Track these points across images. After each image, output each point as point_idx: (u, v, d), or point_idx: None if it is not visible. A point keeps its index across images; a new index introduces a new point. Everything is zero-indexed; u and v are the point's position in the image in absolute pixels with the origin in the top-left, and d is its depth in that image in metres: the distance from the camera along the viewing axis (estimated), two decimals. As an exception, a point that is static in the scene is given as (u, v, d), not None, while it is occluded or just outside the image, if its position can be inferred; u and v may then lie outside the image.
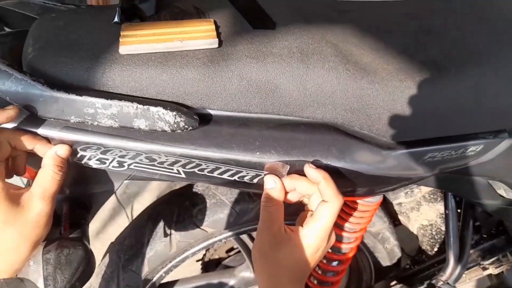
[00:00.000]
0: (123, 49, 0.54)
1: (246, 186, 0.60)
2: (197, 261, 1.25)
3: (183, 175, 0.58)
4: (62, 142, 0.54)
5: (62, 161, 0.53)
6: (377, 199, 0.74)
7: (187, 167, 0.57)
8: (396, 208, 1.15)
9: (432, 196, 1.09)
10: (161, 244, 0.84)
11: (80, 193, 0.63)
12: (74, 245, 0.54)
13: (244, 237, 0.94)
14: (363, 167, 0.61)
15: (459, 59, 0.66)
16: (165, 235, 0.83)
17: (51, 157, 0.53)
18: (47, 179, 0.52)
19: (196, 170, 0.57)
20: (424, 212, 1.10)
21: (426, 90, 0.61)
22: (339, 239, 0.80)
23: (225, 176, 0.58)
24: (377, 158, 0.63)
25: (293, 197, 0.60)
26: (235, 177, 0.58)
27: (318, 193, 0.57)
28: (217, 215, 0.83)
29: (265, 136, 0.58)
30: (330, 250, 0.82)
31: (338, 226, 0.78)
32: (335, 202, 0.55)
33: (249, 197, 0.84)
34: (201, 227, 0.83)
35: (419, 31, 0.71)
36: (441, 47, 0.68)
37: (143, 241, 0.85)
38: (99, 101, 0.51)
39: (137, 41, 0.56)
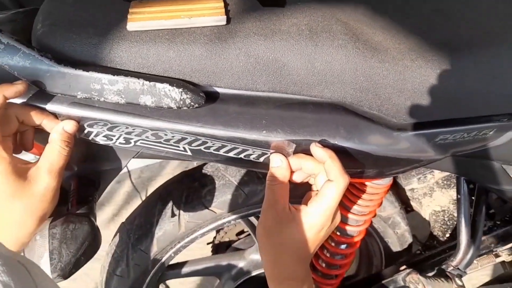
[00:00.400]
0: (131, 26, 0.54)
1: (252, 165, 0.60)
2: (208, 243, 1.26)
3: (189, 153, 0.58)
4: (69, 118, 0.54)
5: (69, 136, 0.53)
6: (386, 181, 0.73)
7: (193, 144, 0.57)
8: (409, 193, 1.13)
9: (445, 182, 1.07)
10: (170, 224, 0.84)
11: (88, 170, 0.63)
12: (80, 220, 0.54)
13: (253, 219, 0.94)
14: (372, 148, 0.60)
15: (472, 39, 0.64)
16: (173, 215, 0.84)
17: (59, 132, 0.53)
18: (54, 154, 0.52)
19: (202, 148, 0.57)
20: (436, 198, 1.08)
21: (438, 70, 0.59)
22: (347, 221, 0.79)
23: (231, 154, 0.58)
24: (387, 139, 0.62)
25: (299, 177, 0.60)
26: (241, 156, 0.58)
27: (324, 173, 0.56)
28: (225, 196, 0.83)
29: (272, 115, 0.57)
30: (338, 233, 0.82)
31: (346, 208, 0.78)
32: (340, 181, 0.54)
33: (258, 178, 0.84)
34: (210, 208, 0.83)
35: (432, 12, 0.69)
36: (454, 27, 0.66)
37: (153, 221, 0.86)
38: (105, 77, 0.51)
39: (145, 18, 0.55)
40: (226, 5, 0.59)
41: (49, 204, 0.51)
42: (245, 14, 0.58)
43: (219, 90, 0.57)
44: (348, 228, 0.79)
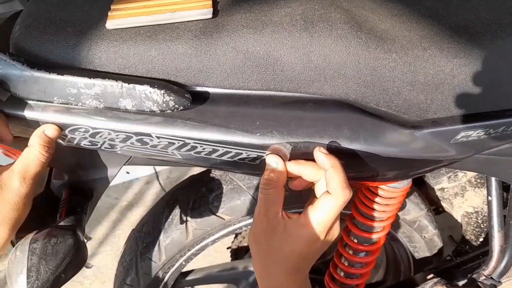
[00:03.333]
0: (110, 24, 0.50)
1: (249, 168, 0.55)
2: (227, 248, 1.22)
3: (180, 157, 0.54)
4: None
5: (49, 141, 0.50)
6: (404, 184, 0.66)
7: (182, 150, 0.52)
8: (438, 193, 1.05)
9: (478, 180, 0.99)
10: (177, 232, 0.81)
11: (79, 179, 0.60)
12: (63, 234, 0.51)
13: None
14: (381, 149, 0.54)
15: (497, 22, 0.57)
16: (181, 222, 0.80)
17: (38, 136, 0.49)
18: (31, 158, 0.48)
19: (192, 153, 0.53)
20: (469, 198, 1.00)
21: (455, 60, 0.53)
22: (364, 228, 0.73)
23: (224, 158, 0.53)
24: (399, 138, 0.55)
25: (298, 184, 0.54)
26: (236, 159, 0.53)
27: (324, 180, 0.51)
28: (233, 202, 0.78)
29: (267, 115, 0.52)
30: (355, 240, 0.75)
31: (362, 214, 0.71)
32: (339, 196, 0.49)
33: (267, 182, 0.79)
34: (217, 214, 0.78)
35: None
36: (474, 9, 0.58)
37: (160, 228, 0.82)
38: (81, 81, 0.48)
39: (125, 15, 0.51)
40: None
41: (21, 212, 0.48)
42: (234, 6, 0.53)
43: (208, 90, 0.53)
44: (365, 235, 0.73)
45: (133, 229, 0.90)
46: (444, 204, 1.06)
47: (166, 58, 0.49)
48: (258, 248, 0.53)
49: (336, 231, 0.53)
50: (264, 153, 0.52)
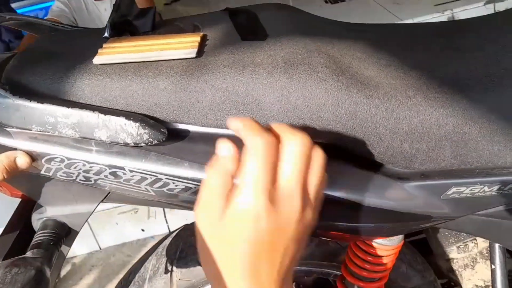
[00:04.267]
0: (97, 59, 0.52)
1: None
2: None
3: (153, 194, 0.53)
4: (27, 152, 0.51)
5: (13, 168, 0.49)
6: (394, 242, 0.62)
7: (155, 186, 0.51)
8: (448, 264, 0.99)
9: (490, 252, 0.93)
10: (161, 282, 0.77)
11: (57, 213, 0.59)
12: (26, 265, 0.50)
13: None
14: (360, 197, 0.52)
15: (489, 76, 0.55)
16: (166, 271, 0.77)
17: (7, 157, 0.49)
18: None
19: (165, 189, 0.52)
20: (479, 270, 0.93)
21: (441, 109, 0.51)
22: (354, 290, 0.68)
23: (198, 196, 0.51)
24: (382, 188, 0.53)
25: None
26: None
27: None
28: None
29: (243, 155, 0.51)
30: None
31: (352, 274, 0.67)
32: (257, 141, 0.38)
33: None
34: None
35: (445, 48, 0.62)
36: (468, 63, 0.58)
37: (145, 277, 0.79)
38: (60, 110, 0.48)
39: (114, 52, 0.53)
40: (204, 40, 0.56)
41: None
42: (220, 48, 0.54)
43: (187, 128, 0.52)
44: (356, 297, 0.68)
45: (120, 279, 0.87)
46: (453, 276, 0.99)
47: (146, 93, 0.50)
48: (202, 252, 0.41)
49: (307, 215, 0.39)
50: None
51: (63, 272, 2.06)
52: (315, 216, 0.41)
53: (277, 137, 0.39)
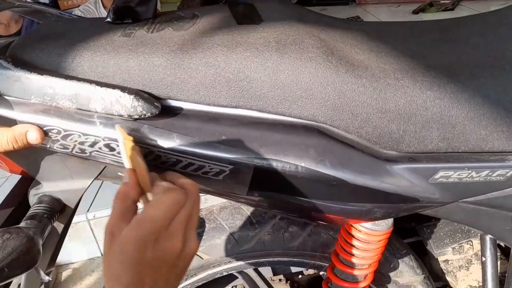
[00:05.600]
0: None
1: (212, 184, 0.54)
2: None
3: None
4: (23, 123, 0.53)
5: (23, 140, 0.51)
6: (383, 227, 0.63)
7: (147, 159, 0.53)
8: (443, 266, 0.98)
9: (486, 254, 0.92)
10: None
11: (54, 188, 0.61)
12: (18, 232, 0.51)
13: (251, 272, 0.85)
14: (349, 176, 0.52)
15: (478, 64, 0.57)
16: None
17: (19, 128, 0.51)
18: None
19: (157, 163, 0.53)
20: (474, 271, 0.92)
21: (429, 92, 0.52)
22: (345, 277, 0.68)
23: (188, 170, 0.53)
24: (370, 168, 0.54)
25: None
26: (199, 173, 0.53)
27: None
28: (214, 241, 0.76)
29: (234, 131, 0.52)
30: (336, 292, 0.71)
31: (342, 261, 0.67)
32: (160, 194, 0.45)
33: (251, 224, 0.76)
34: (197, 253, 0.76)
35: (438, 40, 0.64)
36: (460, 53, 0.59)
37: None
38: (58, 81, 0.50)
39: None
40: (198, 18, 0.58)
41: None
42: (216, 30, 0.56)
43: (180, 105, 0.54)
44: (346, 285, 0.68)
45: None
46: (448, 278, 0.98)
47: (142, 69, 0.52)
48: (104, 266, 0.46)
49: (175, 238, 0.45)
50: (227, 167, 0.52)
51: (63, 276, 2.05)
52: (196, 246, 0.47)
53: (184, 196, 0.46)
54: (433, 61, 0.57)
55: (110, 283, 0.43)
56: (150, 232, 0.42)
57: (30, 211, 0.58)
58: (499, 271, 0.80)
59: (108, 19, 0.61)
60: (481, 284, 0.91)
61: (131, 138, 0.48)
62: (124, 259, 0.42)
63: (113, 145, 0.52)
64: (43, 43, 0.55)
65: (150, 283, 0.44)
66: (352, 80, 0.51)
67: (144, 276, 0.43)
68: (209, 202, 0.87)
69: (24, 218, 0.57)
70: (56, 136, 0.53)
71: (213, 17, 0.61)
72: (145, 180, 0.46)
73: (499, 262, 0.85)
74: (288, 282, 1.05)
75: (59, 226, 0.62)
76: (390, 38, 0.63)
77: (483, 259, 0.71)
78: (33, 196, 0.62)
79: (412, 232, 1.06)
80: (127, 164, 0.46)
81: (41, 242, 0.54)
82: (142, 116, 0.50)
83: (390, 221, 0.64)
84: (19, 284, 0.62)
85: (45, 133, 0.53)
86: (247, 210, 0.79)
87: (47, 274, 0.68)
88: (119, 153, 0.53)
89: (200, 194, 0.49)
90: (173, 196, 0.45)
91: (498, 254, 0.90)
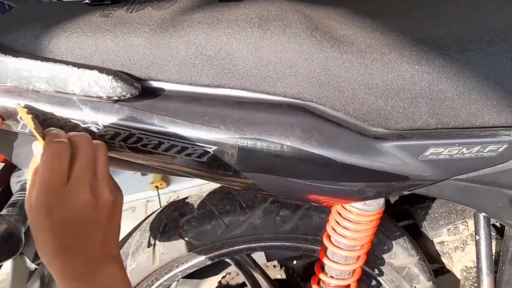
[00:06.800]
0: None
1: (196, 167, 0.53)
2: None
3: (127, 151, 0.52)
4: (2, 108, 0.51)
5: None
6: (374, 207, 0.61)
7: (128, 141, 0.51)
8: (438, 247, 0.98)
9: (481, 235, 0.91)
10: (144, 256, 0.77)
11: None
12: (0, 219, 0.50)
13: (243, 257, 0.84)
14: (336, 154, 0.51)
15: (467, 37, 0.55)
16: (148, 245, 0.77)
17: None
18: None
19: (139, 145, 0.51)
20: (470, 252, 0.92)
21: (417, 66, 0.51)
22: (337, 259, 0.67)
23: (170, 153, 0.51)
24: (358, 146, 0.52)
25: None
26: (182, 155, 0.51)
27: None
28: (203, 227, 0.75)
29: (217, 112, 0.51)
30: (328, 274, 0.69)
31: (333, 243, 0.66)
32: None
33: (240, 208, 0.75)
34: (186, 239, 0.75)
35: (427, 14, 0.62)
36: (448, 25, 0.57)
37: (128, 252, 0.79)
38: (34, 63, 0.49)
39: None
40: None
41: None
42: (196, 8, 0.54)
43: (161, 85, 0.53)
44: (338, 267, 0.67)
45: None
46: (444, 259, 0.98)
47: (120, 49, 0.50)
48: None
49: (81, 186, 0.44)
50: (211, 148, 0.50)
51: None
52: (113, 195, 0.46)
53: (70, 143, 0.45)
54: (421, 35, 0.55)
55: (42, 257, 0.43)
56: (46, 193, 0.41)
57: (12, 199, 0.57)
58: (494, 251, 0.79)
59: (87, 1, 0.59)
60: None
61: (26, 110, 0.48)
62: (39, 229, 0.42)
63: (93, 128, 0.51)
64: (19, 25, 0.53)
65: (74, 244, 0.43)
66: (338, 55, 0.49)
67: (65, 240, 0.42)
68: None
69: (6, 205, 0.56)
70: (35, 121, 0.52)
71: None
72: None
73: (494, 242, 0.84)
74: (283, 268, 1.04)
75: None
76: (377, 13, 0.62)
77: (477, 238, 0.70)
78: (16, 184, 0.60)
79: (407, 215, 1.05)
80: (39, 138, 0.45)
81: (23, 230, 0.53)
82: (122, 97, 0.49)
83: (381, 201, 0.62)
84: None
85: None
86: (237, 194, 0.78)
87: (37, 264, 0.67)
88: (99, 136, 0.52)
89: (193, 181, 0.50)
90: (50, 151, 0.43)
91: (493, 233, 0.89)
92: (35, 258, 0.66)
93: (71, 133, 0.47)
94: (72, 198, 0.43)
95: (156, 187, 2.00)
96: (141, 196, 2.09)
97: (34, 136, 0.46)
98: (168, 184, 2.07)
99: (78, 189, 0.43)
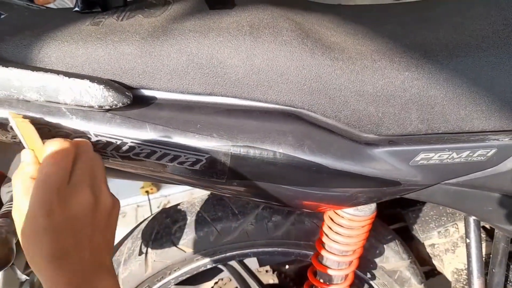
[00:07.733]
0: None
1: (189, 175, 0.53)
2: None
3: (119, 160, 0.52)
4: None
5: None
6: (366, 212, 0.62)
7: (120, 151, 0.51)
8: (429, 250, 0.99)
9: (471, 237, 0.92)
10: (136, 264, 0.76)
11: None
12: (-12, 230, 0.49)
13: (235, 264, 0.84)
14: (328, 161, 0.51)
15: (455, 43, 0.56)
16: (140, 253, 0.76)
17: None
18: None
19: (131, 154, 0.51)
20: (460, 254, 0.93)
21: (407, 73, 0.52)
22: (329, 264, 0.67)
23: (163, 161, 0.51)
24: (350, 152, 0.53)
25: None
26: (175, 163, 0.51)
27: None
28: (196, 233, 0.75)
29: (209, 120, 0.51)
30: (321, 280, 0.70)
31: (326, 248, 0.67)
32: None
33: (232, 215, 0.75)
34: (178, 246, 0.74)
35: (417, 20, 0.63)
36: (436, 31, 0.58)
37: (120, 260, 0.79)
38: (24, 73, 0.48)
39: None
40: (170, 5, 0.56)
41: None
42: (187, 16, 0.54)
43: (153, 94, 0.52)
44: (331, 272, 0.67)
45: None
46: (435, 262, 0.98)
47: (112, 58, 0.50)
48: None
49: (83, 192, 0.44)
50: (204, 156, 0.50)
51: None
52: (110, 199, 0.47)
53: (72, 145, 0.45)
54: (410, 41, 0.56)
55: (34, 264, 0.41)
56: (48, 192, 0.40)
57: (3, 209, 0.56)
58: (484, 253, 0.80)
59: (77, 9, 0.59)
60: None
61: (22, 116, 0.48)
62: (35, 232, 0.40)
63: (85, 137, 0.51)
64: (9, 34, 0.52)
65: (73, 247, 0.42)
66: (329, 63, 0.50)
67: (63, 242, 0.41)
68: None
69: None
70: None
71: (185, 3, 0.59)
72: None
73: (484, 244, 0.85)
74: (275, 272, 1.04)
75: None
76: (367, 20, 0.62)
77: (468, 241, 0.71)
78: (6, 194, 0.60)
79: (398, 218, 1.06)
80: (26, 145, 0.45)
81: (14, 241, 0.52)
82: (114, 106, 0.49)
83: (373, 206, 0.63)
84: None
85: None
86: (229, 201, 0.78)
87: (27, 274, 0.66)
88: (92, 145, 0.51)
89: (184, 186, 0.49)
90: (54, 148, 0.43)
91: (484, 236, 0.90)
92: (26, 268, 0.66)
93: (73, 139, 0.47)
94: (74, 196, 0.42)
95: (147, 192, 1.99)
96: (132, 201, 2.08)
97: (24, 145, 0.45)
98: (158, 189, 2.06)
99: (80, 187, 0.43)
